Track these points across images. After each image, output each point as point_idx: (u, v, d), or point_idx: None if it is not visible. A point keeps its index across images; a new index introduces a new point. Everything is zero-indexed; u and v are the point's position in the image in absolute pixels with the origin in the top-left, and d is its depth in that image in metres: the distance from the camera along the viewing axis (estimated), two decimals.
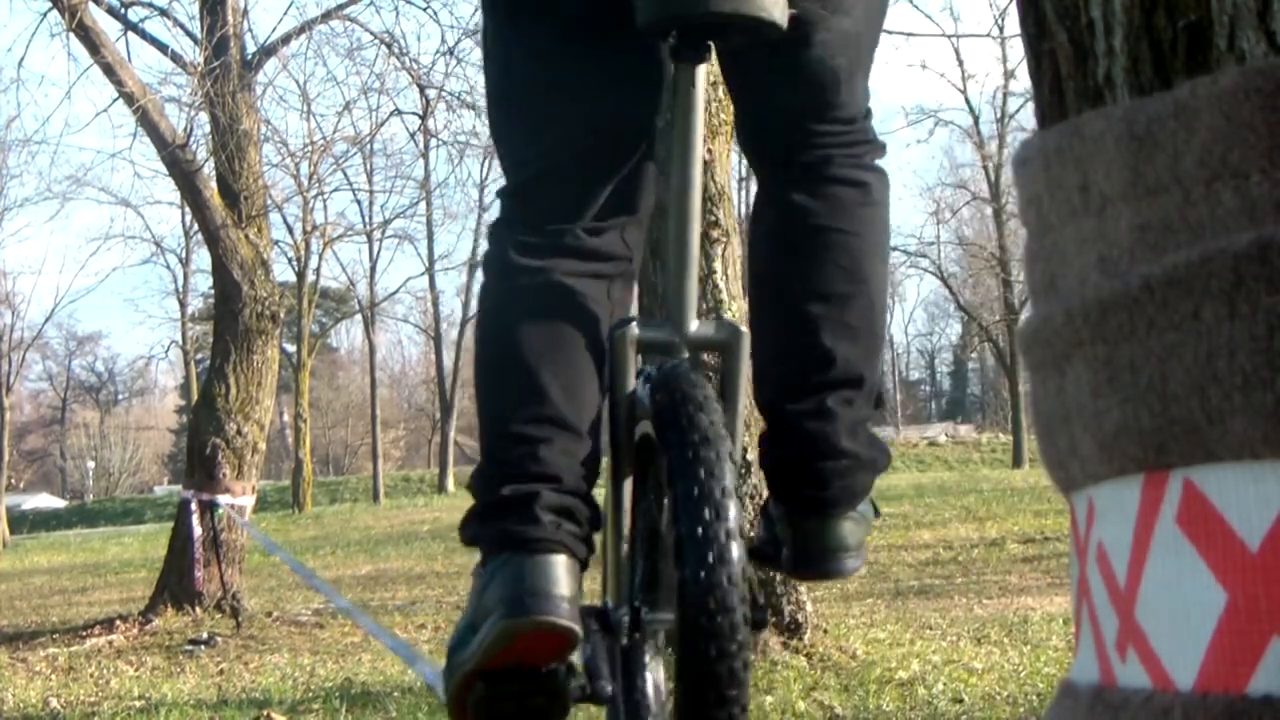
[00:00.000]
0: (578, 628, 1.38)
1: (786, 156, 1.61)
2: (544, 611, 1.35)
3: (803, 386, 1.55)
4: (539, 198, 1.55)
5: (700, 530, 1.24)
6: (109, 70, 8.08)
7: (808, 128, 1.59)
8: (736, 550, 1.25)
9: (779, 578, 5.10)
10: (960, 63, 40.41)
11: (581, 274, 1.52)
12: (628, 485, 1.59)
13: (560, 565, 1.40)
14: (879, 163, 1.66)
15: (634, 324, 1.54)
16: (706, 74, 1.50)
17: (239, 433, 7.80)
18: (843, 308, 1.55)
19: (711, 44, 1.46)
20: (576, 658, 1.44)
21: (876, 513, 1.71)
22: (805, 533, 1.58)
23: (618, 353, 1.52)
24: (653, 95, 1.55)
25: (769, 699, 4.48)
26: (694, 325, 1.55)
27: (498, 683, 1.39)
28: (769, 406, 1.61)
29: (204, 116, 8.72)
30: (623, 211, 1.56)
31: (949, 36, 31.65)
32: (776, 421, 1.60)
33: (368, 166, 26.63)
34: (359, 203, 31.19)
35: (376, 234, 33.51)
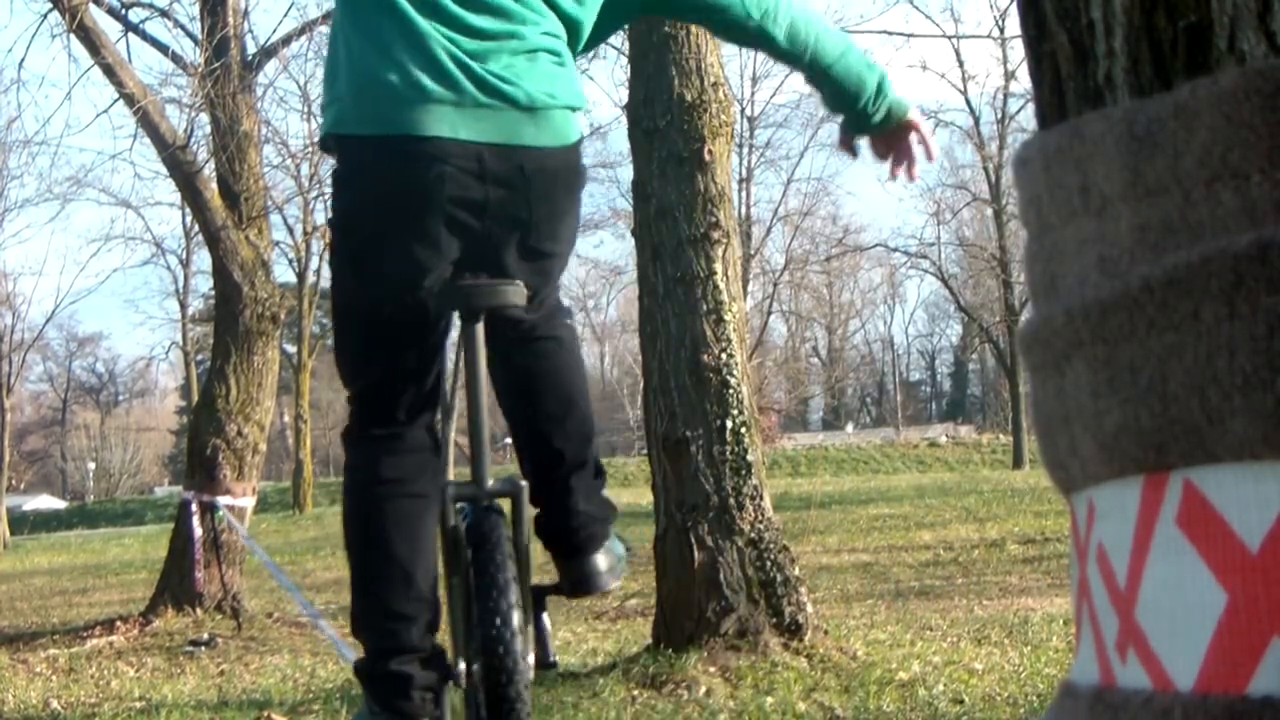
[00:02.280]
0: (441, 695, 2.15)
1: (506, 329, 2.26)
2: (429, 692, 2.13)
3: (548, 478, 2.28)
4: (375, 404, 2.23)
5: (489, 629, 2.00)
6: (109, 71, 8.09)
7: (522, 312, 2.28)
8: (517, 644, 2.00)
9: (779, 581, 5.11)
10: (961, 64, 40.44)
11: (418, 466, 2.21)
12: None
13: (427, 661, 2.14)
14: (569, 322, 2.42)
15: (451, 485, 2.21)
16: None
17: (239, 434, 7.80)
18: (562, 422, 2.28)
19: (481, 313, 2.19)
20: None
21: (627, 547, 2.47)
22: (571, 568, 2.34)
23: (446, 503, 2.19)
24: (443, 339, 2.28)
25: (769, 700, 4.48)
26: (489, 483, 2.23)
27: None
28: (533, 494, 2.26)
29: (204, 118, 8.73)
30: (428, 410, 2.26)
31: (949, 38, 31.65)
32: (537, 502, 2.29)
33: None
34: None
35: None
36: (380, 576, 2.14)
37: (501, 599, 2.01)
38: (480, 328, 2.19)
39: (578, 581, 2.32)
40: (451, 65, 2.06)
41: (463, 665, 2.14)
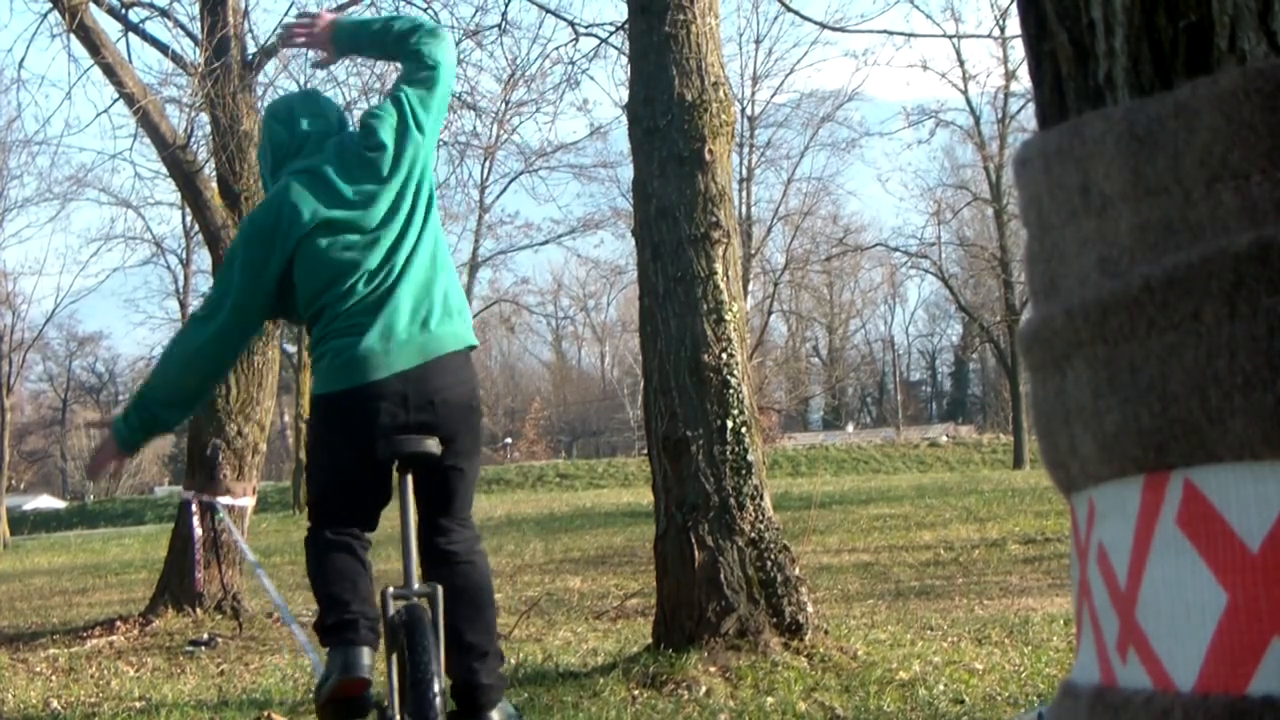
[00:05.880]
0: (371, 678, 2.98)
1: (435, 538, 3.19)
2: (358, 672, 2.94)
3: (460, 661, 3.07)
4: (334, 513, 3.18)
5: (420, 691, 2.79)
6: (109, 71, 8.09)
7: (441, 524, 3.21)
8: (438, 702, 2.80)
9: (780, 580, 5.11)
10: (961, 63, 40.44)
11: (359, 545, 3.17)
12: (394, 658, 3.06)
13: (366, 653, 2.97)
14: (481, 548, 3.28)
15: (390, 588, 3.03)
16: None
17: (239, 433, 7.81)
18: (473, 623, 3.11)
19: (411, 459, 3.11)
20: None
21: (519, 711, 3.32)
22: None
23: (386, 601, 3.03)
24: (388, 479, 3.18)
25: (769, 700, 4.48)
26: (416, 585, 3.06)
27: (337, 703, 2.99)
28: (449, 675, 3.05)
29: (204, 117, 8.73)
30: (368, 528, 3.20)
31: (950, 37, 31.68)
32: (451, 678, 3.07)
33: None
34: None
35: None
36: (335, 584, 3.06)
37: (428, 670, 2.82)
38: (410, 477, 3.12)
39: None
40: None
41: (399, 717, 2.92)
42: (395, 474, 3.13)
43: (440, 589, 3.03)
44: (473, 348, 3.26)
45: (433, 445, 3.04)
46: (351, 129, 3.39)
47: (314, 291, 3.14)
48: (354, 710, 2.98)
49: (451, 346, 3.13)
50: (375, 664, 3.00)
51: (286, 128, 3.30)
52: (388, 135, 3.23)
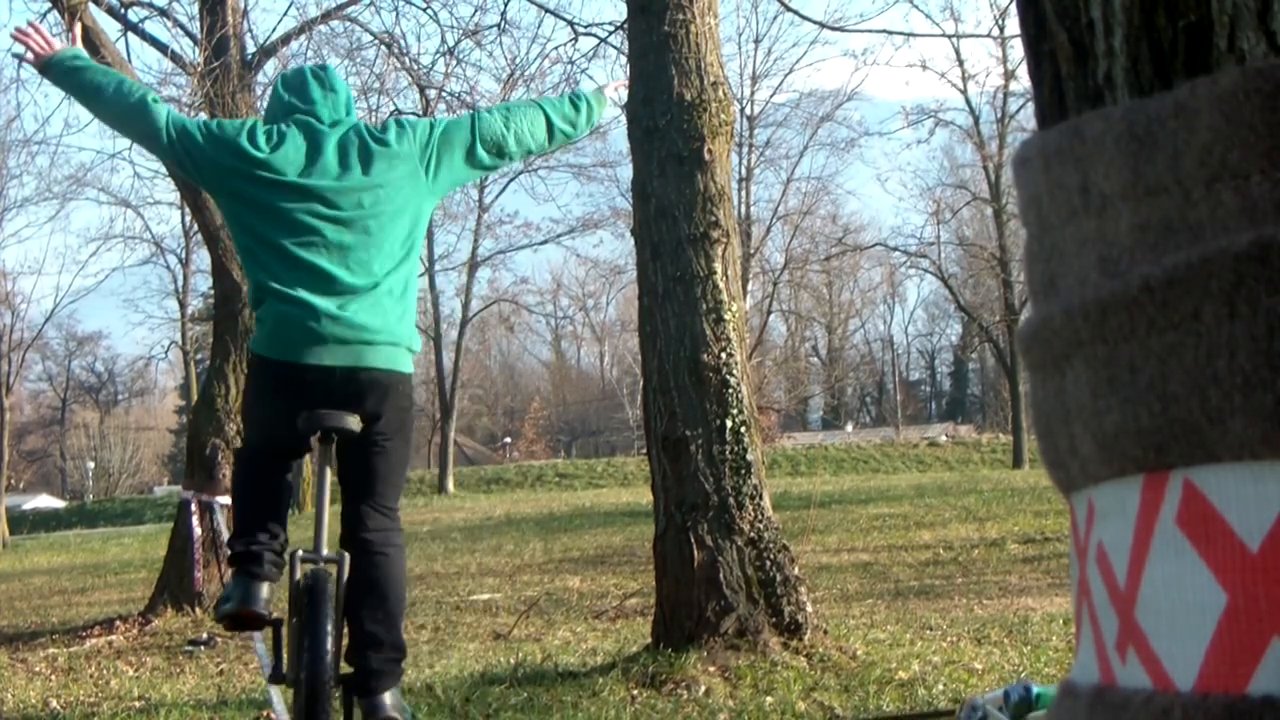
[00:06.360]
0: (266, 613, 3.29)
1: (356, 521, 3.36)
2: (253, 605, 3.26)
3: (357, 647, 3.27)
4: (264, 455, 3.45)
5: (314, 652, 3.08)
6: None
7: (362, 510, 3.38)
8: (328, 664, 3.08)
9: (779, 580, 5.11)
10: (960, 63, 40.36)
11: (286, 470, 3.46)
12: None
13: (265, 587, 3.30)
14: (398, 540, 3.41)
15: (300, 550, 3.25)
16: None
17: (239, 433, 7.80)
18: (373, 612, 3.28)
19: (333, 435, 3.29)
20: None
21: (411, 713, 3.70)
22: (369, 701, 3.24)
23: (294, 564, 3.25)
24: (304, 446, 3.42)
25: (769, 699, 4.48)
26: (325, 551, 3.28)
27: (233, 619, 3.29)
28: (347, 661, 3.27)
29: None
30: (299, 453, 3.47)
31: (949, 36, 31.67)
32: (349, 662, 3.27)
33: None
34: None
35: None
36: (254, 507, 3.36)
37: (323, 635, 3.08)
38: (330, 446, 3.31)
39: (369, 711, 3.24)
40: None
41: (293, 674, 3.15)
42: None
43: (347, 556, 3.28)
44: (413, 354, 3.48)
45: (353, 422, 3.23)
46: (361, 122, 3.52)
47: (260, 235, 3.30)
48: (251, 625, 3.37)
49: (389, 348, 3.32)
50: (273, 595, 3.34)
51: (298, 94, 3.47)
52: (403, 144, 3.40)
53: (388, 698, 3.25)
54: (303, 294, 3.23)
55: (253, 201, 3.31)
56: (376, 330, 3.27)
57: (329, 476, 3.32)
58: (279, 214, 3.29)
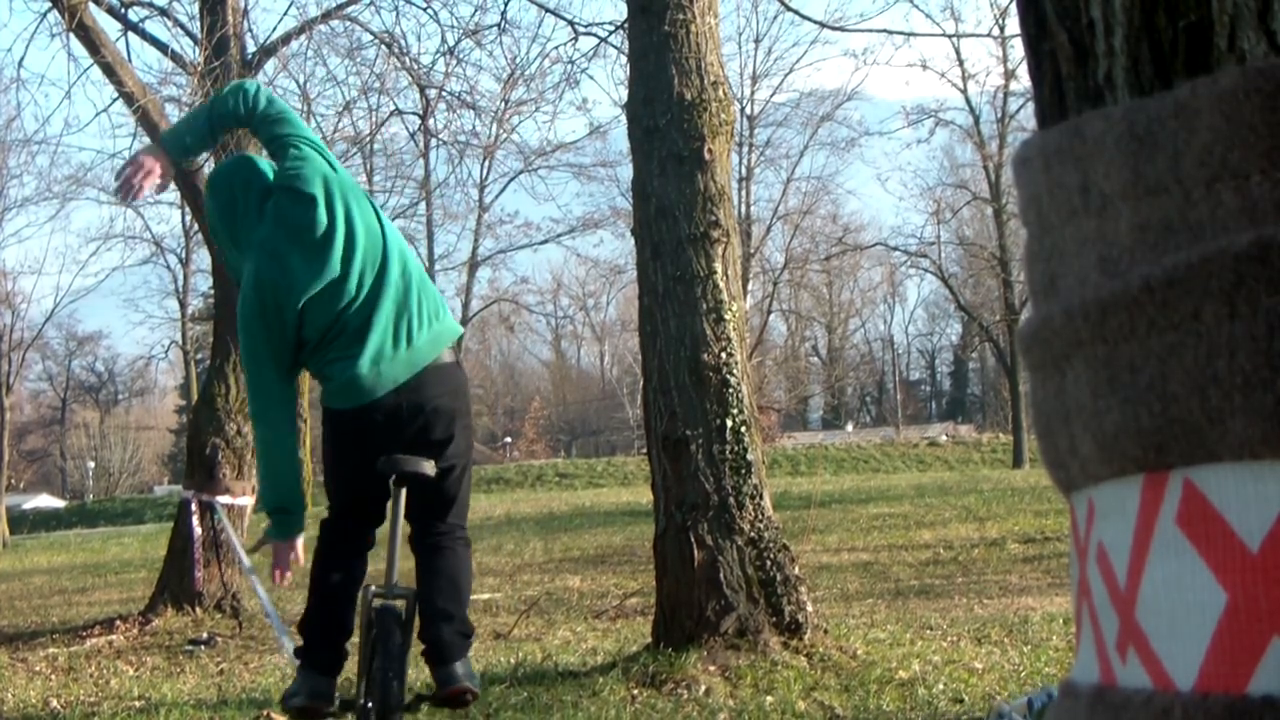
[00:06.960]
0: (332, 705, 3.47)
1: (426, 535, 3.56)
2: (321, 702, 3.44)
3: (430, 622, 3.47)
4: (346, 508, 3.61)
5: (383, 681, 3.30)
6: (109, 70, 8.08)
7: (436, 523, 3.57)
8: (396, 691, 3.31)
9: (779, 580, 5.11)
10: (961, 62, 40.31)
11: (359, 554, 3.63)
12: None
13: (332, 682, 3.47)
14: (464, 547, 3.62)
15: (372, 586, 3.50)
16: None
17: (239, 433, 7.80)
18: (443, 591, 3.49)
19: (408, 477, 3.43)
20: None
21: (480, 675, 3.91)
22: (444, 670, 3.48)
23: (368, 597, 3.49)
24: (386, 490, 3.50)
25: (769, 699, 4.48)
26: (397, 588, 3.49)
27: (300, 712, 3.44)
28: (421, 638, 3.49)
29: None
30: (375, 523, 3.63)
31: (949, 36, 31.67)
32: (423, 640, 3.49)
33: (368, 166, 26.60)
34: None
35: None
36: (328, 598, 3.50)
37: (391, 664, 3.31)
38: (404, 490, 3.46)
39: (442, 680, 3.46)
40: None
41: (364, 701, 3.34)
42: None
43: (415, 591, 3.50)
44: (459, 337, 3.64)
45: (428, 467, 3.41)
46: (275, 188, 3.51)
47: (308, 340, 3.48)
48: (318, 718, 3.51)
49: (436, 352, 3.48)
50: (338, 681, 3.54)
51: (226, 198, 3.53)
52: (314, 188, 3.44)
53: (459, 666, 3.47)
54: (352, 347, 3.52)
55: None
56: (424, 346, 3.53)
57: (400, 512, 3.50)
58: (306, 319, 3.60)
